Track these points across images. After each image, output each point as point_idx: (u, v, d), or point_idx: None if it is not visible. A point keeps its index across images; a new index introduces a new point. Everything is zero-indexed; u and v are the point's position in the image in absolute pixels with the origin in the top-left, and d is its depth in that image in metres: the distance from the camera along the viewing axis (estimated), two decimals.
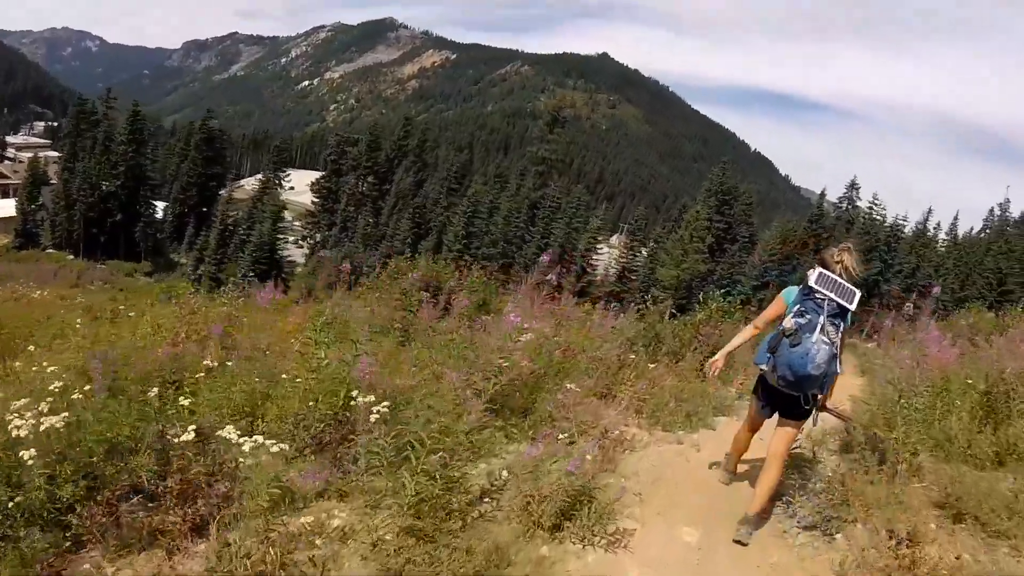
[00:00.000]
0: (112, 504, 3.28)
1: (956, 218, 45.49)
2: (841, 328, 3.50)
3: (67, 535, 3.17)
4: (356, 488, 3.80)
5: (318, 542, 3.29)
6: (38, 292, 19.11)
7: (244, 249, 47.24)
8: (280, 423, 4.53)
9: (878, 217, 39.09)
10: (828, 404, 3.86)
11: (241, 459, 3.70)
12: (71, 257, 50.11)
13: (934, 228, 42.47)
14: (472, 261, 21.08)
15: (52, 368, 4.66)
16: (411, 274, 10.62)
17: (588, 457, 3.74)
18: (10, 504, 3.11)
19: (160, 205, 60.55)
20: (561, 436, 4.20)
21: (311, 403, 4.32)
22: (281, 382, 4.88)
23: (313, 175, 69.46)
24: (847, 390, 9.00)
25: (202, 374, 5.31)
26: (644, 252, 43.60)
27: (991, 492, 3.78)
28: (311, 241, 60.31)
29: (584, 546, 3.40)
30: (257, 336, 6.74)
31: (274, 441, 3.65)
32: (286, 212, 52.95)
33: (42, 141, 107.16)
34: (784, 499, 4.09)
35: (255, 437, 3.67)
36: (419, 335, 6.14)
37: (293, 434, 4.33)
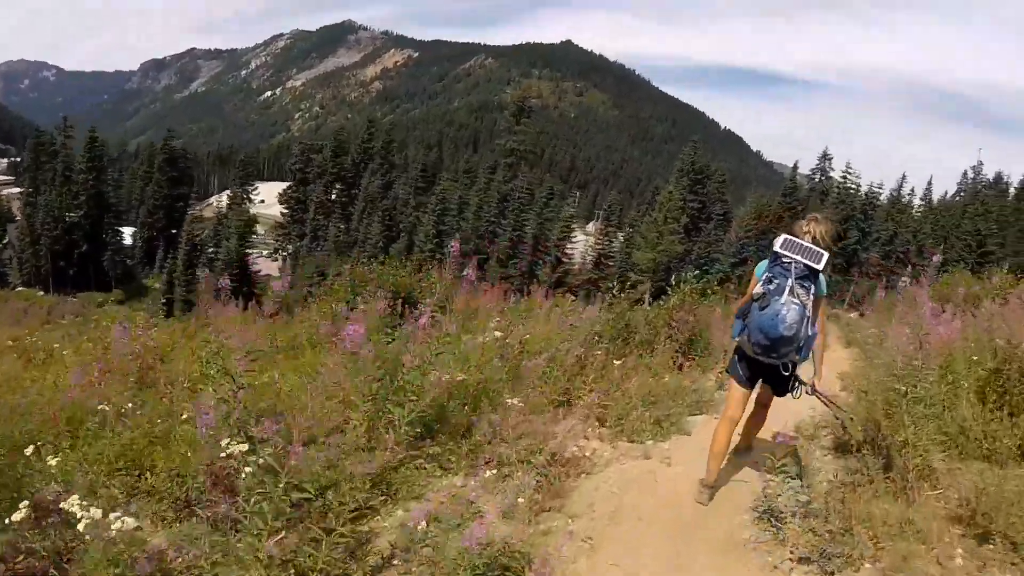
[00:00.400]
0: None
1: (930, 183, 45.48)
2: (812, 291, 3.42)
3: None
4: (233, 561, 3.00)
5: None
6: None
7: (212, 267, 45.97)
8: (169, 479, 3.74)
9: (852, 186, 38.83)
10: (819, 387, 3.69)
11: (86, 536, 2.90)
12: (41, 293, 48.54)
13: (908, 194, 42.39)
14: (444, 260, 20.25)
15: None
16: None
17: (520, 500, 2.95)
18: None
19: (128, 231, 59.54)
20: (489, 473, 3.40)
21: (188, 452, 3.52)
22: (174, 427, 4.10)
23: (282, 186, 68.20)
24: (836, 365, 8.33)
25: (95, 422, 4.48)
26: (620, 237, 43.04)
27: (1020, 498, 3.06)
28: (283, 253, 59.07)
29: None
30: (174, 368, 5.95)
31: (119, 514, 2.84)
32: (258, 226, 51.82)
33: (4, 178, 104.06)
34: (773, 521, 3.36)
35: (94, 510, 2.86)
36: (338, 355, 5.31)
37: (174, 493, 3.54)
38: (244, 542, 2.93)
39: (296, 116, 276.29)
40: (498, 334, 6.07)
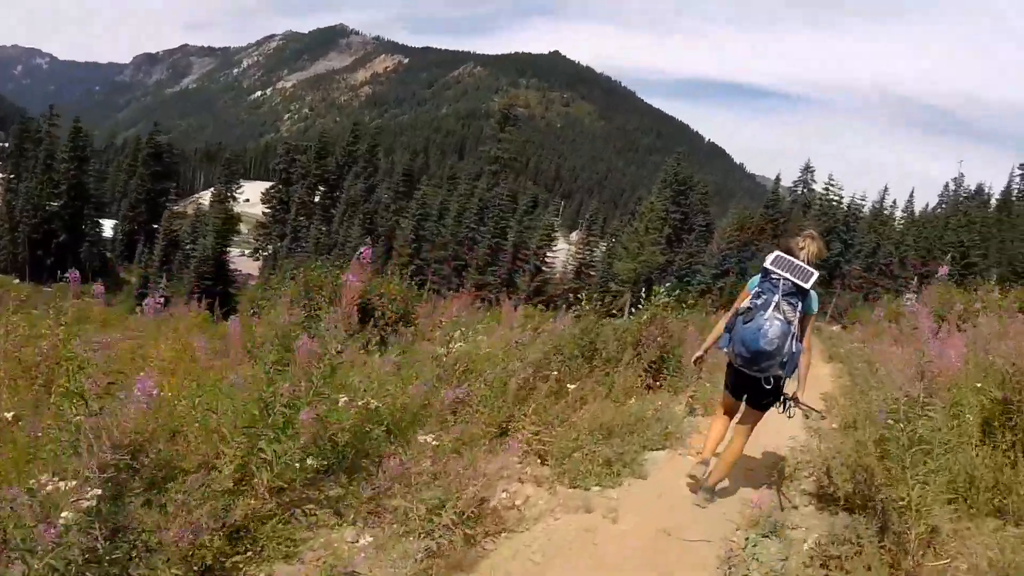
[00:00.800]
0: None
1: (912, 195, 45.64)
2: (800, 308, 3.46)
3: None
4: None
5: None
6: None
7: (188, 264, 44.93)
8: None
9: (835, 199, 38.65)
10: (800, 397, 3.65)
11: None
12: (16, 281, 47.23)
13: (891, 206, 42.32)
14: (423, 264, 19.60)
15: None
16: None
17: (406, 573, 2.23)
18: None
19: (108, 223, 58.43)
20: (389, 529, 2.66)
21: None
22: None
23: (267, 186, 67.32)
24: (818, 383, 7.67)
25: None
26: (602, 247, 42.50)
27: None
28: (263, 253, 58.04)
29: None
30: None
31: None
32: (242, 224, 50.85)
33: None
34: None
35: None
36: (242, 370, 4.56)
37: None
38: None
39: (285, 117, 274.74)
40: (440, 350, 5.35)
